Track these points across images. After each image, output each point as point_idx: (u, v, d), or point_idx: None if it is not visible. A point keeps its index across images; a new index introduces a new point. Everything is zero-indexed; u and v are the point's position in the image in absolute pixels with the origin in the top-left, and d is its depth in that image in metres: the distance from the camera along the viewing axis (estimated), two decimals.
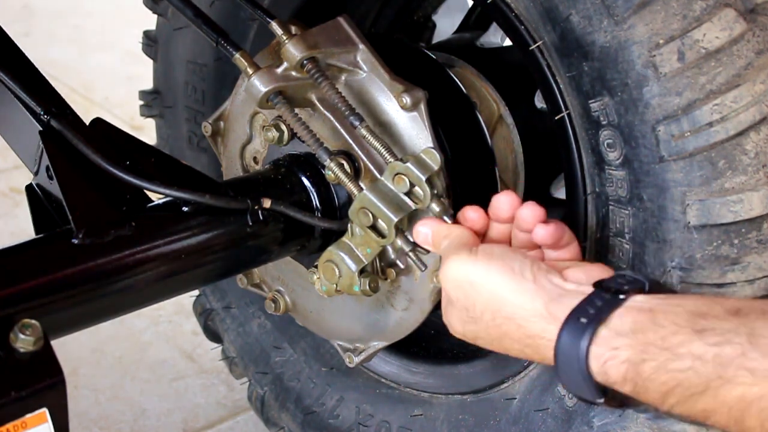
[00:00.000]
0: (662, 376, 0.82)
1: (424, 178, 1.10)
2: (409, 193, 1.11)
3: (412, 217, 1.13)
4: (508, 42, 1.43)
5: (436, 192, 1.11)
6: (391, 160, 1.12)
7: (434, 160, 1.11)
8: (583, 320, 0.87)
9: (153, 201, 1.15)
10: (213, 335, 1.68)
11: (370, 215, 1.12)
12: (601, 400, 0.87)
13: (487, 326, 0.95)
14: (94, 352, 1.95)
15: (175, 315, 2.06)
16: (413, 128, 1.17)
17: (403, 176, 1.11)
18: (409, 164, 1.11)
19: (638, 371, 0.83)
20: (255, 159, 1.32)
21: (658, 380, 0.82)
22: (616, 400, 0.88)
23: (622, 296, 0.88)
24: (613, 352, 0.85)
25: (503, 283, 0.94)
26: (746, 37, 0.97)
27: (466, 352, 1.39)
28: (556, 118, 1.11)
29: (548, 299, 0.91)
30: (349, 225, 1.16)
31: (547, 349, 0.90)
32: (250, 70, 1.16)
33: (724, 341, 0.80)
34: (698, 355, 0.81)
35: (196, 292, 1.67)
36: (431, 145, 1.15)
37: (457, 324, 1.00)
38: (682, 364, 0.81)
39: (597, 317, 0.86)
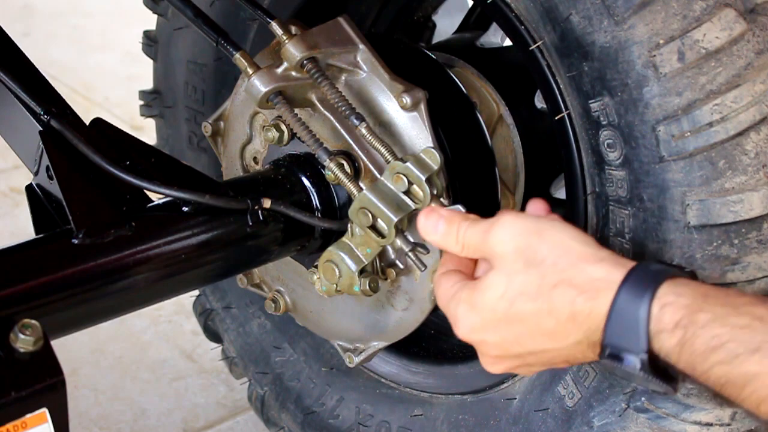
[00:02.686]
0: (716, 329, 0.83)
1: (423, 178, 1.10)
2: (408, 193, 1.11)
3: (411, 217, 1.12)
4: (508, 42, 1.43)
5: (435, 192, 1.11)
6: (391, 159, 1.12)
7: (434, 160, 1.11)
8: (654, 267, 0.90)
9: (153, 201, 1.15)
10: (213, 335, 1.68)
11: (370, 215, 1.12)
12: (645, 352, 0.87)
13: (545, 272, 0.94)
14: (94, 352, 1.95)
15: (175, 315, 2.06)
16: (413, 128, 1.17)
17: (402, 176, 1.11)
18: (408, 164, 1.11)
19: (693, 319, 0.85)
20: (255, 159, 1.32)
21: (711, 332, 0.83)
22: (657, 363, 0.88)
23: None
24: (676, 298, 0.87)
25: (572, 234, 0.96)
26: (746, 37, 0.98)
27: (466, 352, 1.39)
28: (556, 118, 1.11)
29: (612, 252, 0.94)
30: (349, 225, 1.16)
31: (605, 294, 0.90)
32: (250, 70, 1.16)
33: None
34: (759, 315, 0.82)
35: (196, 292, 1.67)
36: (431, 144, 1.15)
37: (503, 278, 0.97)
38: (740, 321, 0.83)
39: (665, 269, 0.90)
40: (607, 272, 0.92)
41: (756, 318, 0.83)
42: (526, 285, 0.95)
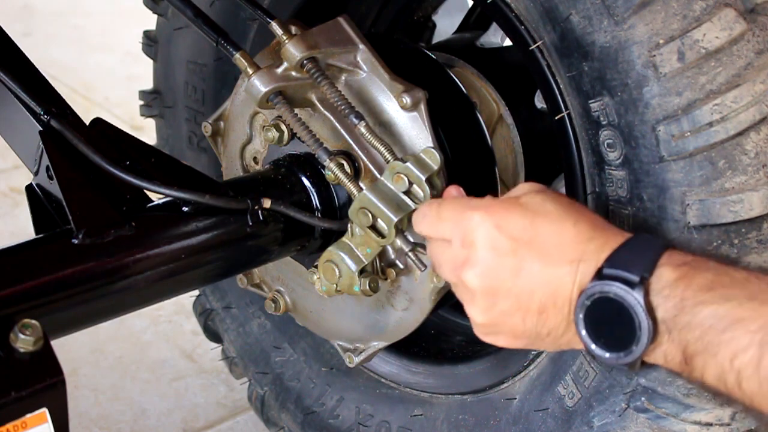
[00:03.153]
0: (717, 276, 0.86)
1: (423, 178, 1.10)
2: (408, 193, 1.11)
3: (411, 218, 1.12)
4: (507, 42, 1.43)
5: (435, 192, 1.11)
6: (391, 159, 1.12)
7: (434, 160, 1.11)
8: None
9: (153, 201, 1.15)
10: (213, 335, 1.68)
11: (370, 215, 1.12)
12: (645, 276, 0.88)
13: (571, 211, 0.96)
14: (94, 352, 1.95)
15: (175, 315, 2.06)
16: (413, 128, 1.17)
17: (402, 176, 1.11)
18: (409, 164, 1.11)
19: (698, 264, 0.88)
20: (255, 159, 1.32)
21: (711, 275, 0.86)
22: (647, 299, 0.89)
23: None
24: (681, 255, 0.90)
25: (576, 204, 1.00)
26: (746, 37, 0.98)
27: (466, 352, 1.39)
28: (556, 118, 1.11)
29: None
30: (349, 225, 1.16)
31: (614, 239, 0.92)
32: (250, 70, 1.16)
33: None
34: (757, 275, 0.86)
35: (196, 292, 1.67)
36: (431, 144, 1.15)
37: (522, 217, 0.97)
38: (740, 275, 0.86)
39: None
40: (618, 231, 0.96)
41: (754, 276, 0.86)
42: (558, 200, 0.97)
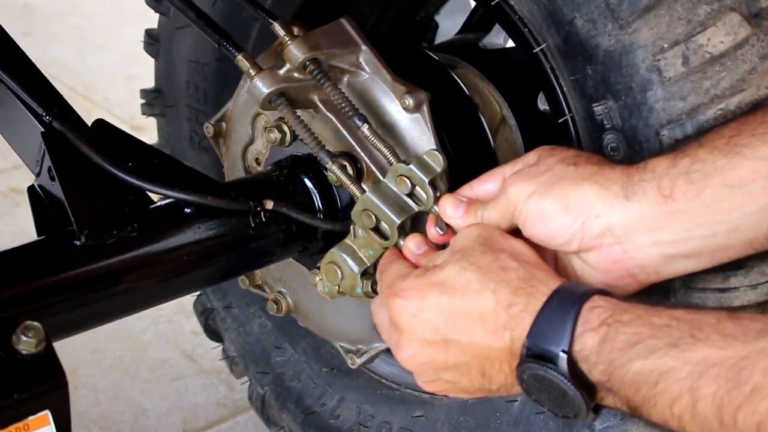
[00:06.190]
0: (638, 327, 0.86)
1: (427, 181, 1.10)
2: (411, 195, 1.11)
3: (414, 220, 1.12)
4: (510, 43, 1.43)
5: (439, 194, 1.11)
6: (394, 161, 1.12)
7: (437, 162, 1.10)
8: (579, 288, 0.93)
9: (155, 202, 1.15)
10: (214, 335, 1.68)
11: (373, 217, 1.12)
12: (565, 351, 0.88)
13: (500, 256, 0.98)
14: (94, 352, 1.95)
15: (175, 315, 2.06)
16: (416, 130, 1.17)
17: (405, 178, 1.11)
18: (412, 166, 1.10)
19: (617, 318, 0.87)
20: (257, 160, 1.32)
21: (632, 329, 0.86)
22: (575, 368, 0.89)
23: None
24: (605, 302, 0.90)
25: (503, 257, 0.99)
26: (751, 41, 0.97)
27: None
28: (560, 121, 1.11)
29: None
30: (351, 227, 1.16)
31: (542, 294, 0.92)
32: (252, 72, 1.16)
33: (702, 313, 0.85)
34: (677, 316, 0.85)
35: (196, 292, 1.66)
36: (434, 146, 1.15)
37: (459, 253, 1.00)
38: (660, 320, 0.86)
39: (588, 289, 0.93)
40: (548, 278, 0.94)
41: (674, 318, 0.86)
42: (482, 259, 0.97)
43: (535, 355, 0.90)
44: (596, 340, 0.87)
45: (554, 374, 0.89)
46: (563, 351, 0.88)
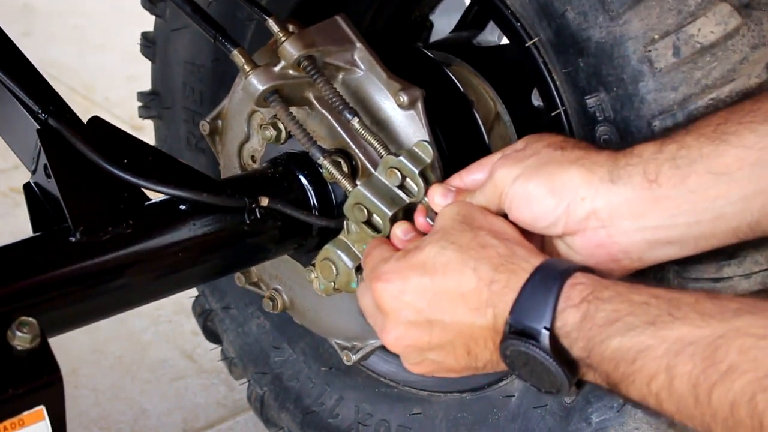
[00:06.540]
0: (617, 304, 0.86)
1: (417, 171, 1.10)
2: (402, 187, 1.11)
3: (406, 212, 1.13)
4: (505, 40, 1.44)
5: (429, 185, 1.11)
6: (384, 154, 1.12)
7: (427, 153, 1.11)
8: (562, 265, 0.93)
9: (151, 199, 1.15)
10: (212, 336, 1.68)
11: (365, 210, 1.12)
12: (547, 328, 0.88)
13: (478, 233, 0.98)
14: (94, 352, 1.95)
15: (175, 315, 2.06)
16: (410, 126, 1.18)
17: (395, 170, 1.11)
18: (401, 158, 1.11)
19: (598, 295, 0.87)
20: (253, 157, 1.32)
21: (612, 306, 0.86)
22: (557, 345, 0.89)
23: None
24: (587, 279, 0.90)
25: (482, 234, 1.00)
26: (741, 31, 0.98)
27: None
28: (553, 114, 1.11)
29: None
30: (345, 222, 1.16)
31: (516, 277, 0.92)
32: (247, 68, 1.16)
33: (682, 292, 0.86)
34: (656, 294, 0.86)
35: (195, 292, 1.67)
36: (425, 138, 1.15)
37: (438, 233, 1.00)
38: (639, 297, 0.86)
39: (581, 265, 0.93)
40: (529, 254, 0.95)
41: (653, 296, 0.86)
42: (461, 237, 0.97)
43: (517, 331, 0.90)
44: (577, 317, 0.87)
45: (536, 351, 0.89)
46: (545, 328, 0.88)
